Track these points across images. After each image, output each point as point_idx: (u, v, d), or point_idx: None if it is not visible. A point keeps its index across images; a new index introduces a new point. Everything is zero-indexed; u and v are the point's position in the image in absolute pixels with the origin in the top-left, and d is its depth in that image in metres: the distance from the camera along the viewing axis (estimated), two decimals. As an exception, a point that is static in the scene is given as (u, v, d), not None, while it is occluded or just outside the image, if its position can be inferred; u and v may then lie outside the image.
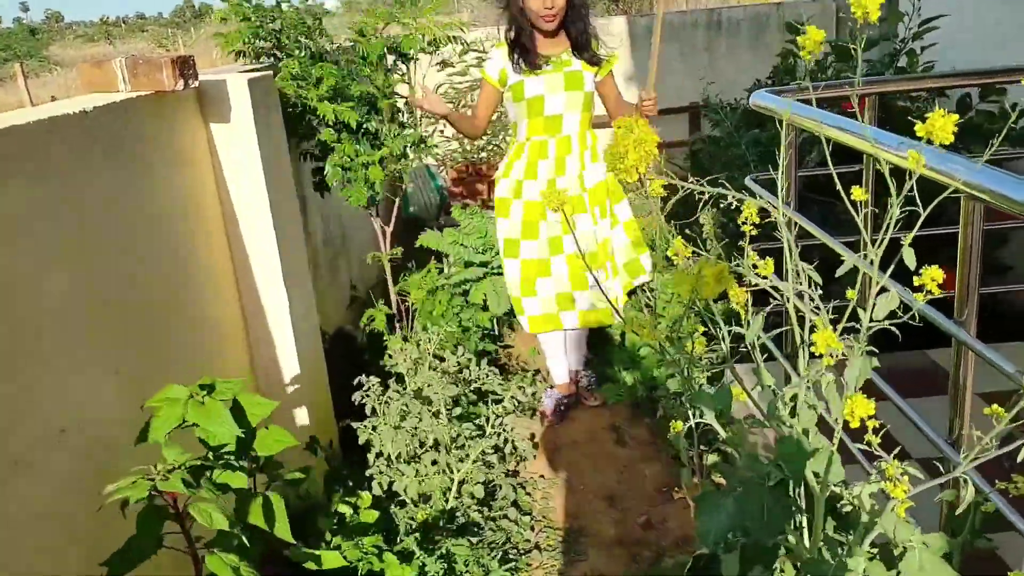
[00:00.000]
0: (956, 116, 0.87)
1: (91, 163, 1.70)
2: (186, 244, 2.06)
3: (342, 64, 2.88)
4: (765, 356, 2.03)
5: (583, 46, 2.76)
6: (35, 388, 1.49)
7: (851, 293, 1.00)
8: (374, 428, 2.44)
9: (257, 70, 2.59)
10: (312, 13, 2.98)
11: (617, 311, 1.34)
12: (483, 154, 5.82)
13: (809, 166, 3.29)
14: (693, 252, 1.08)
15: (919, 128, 0.91)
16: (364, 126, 2.83)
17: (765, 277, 1.16)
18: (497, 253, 3.60)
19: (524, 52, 2.74)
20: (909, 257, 1.05)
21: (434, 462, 2.37)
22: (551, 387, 3.28)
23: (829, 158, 1.29)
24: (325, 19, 3.03)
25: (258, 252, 2.26)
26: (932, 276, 0.94)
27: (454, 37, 3.08)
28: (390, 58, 3.07)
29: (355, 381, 2.54)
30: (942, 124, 0.86)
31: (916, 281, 0.95)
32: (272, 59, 2.89)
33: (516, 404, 2.63)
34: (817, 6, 6.11)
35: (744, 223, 1.18)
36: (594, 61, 2.78)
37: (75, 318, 1.62)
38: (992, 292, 2.53)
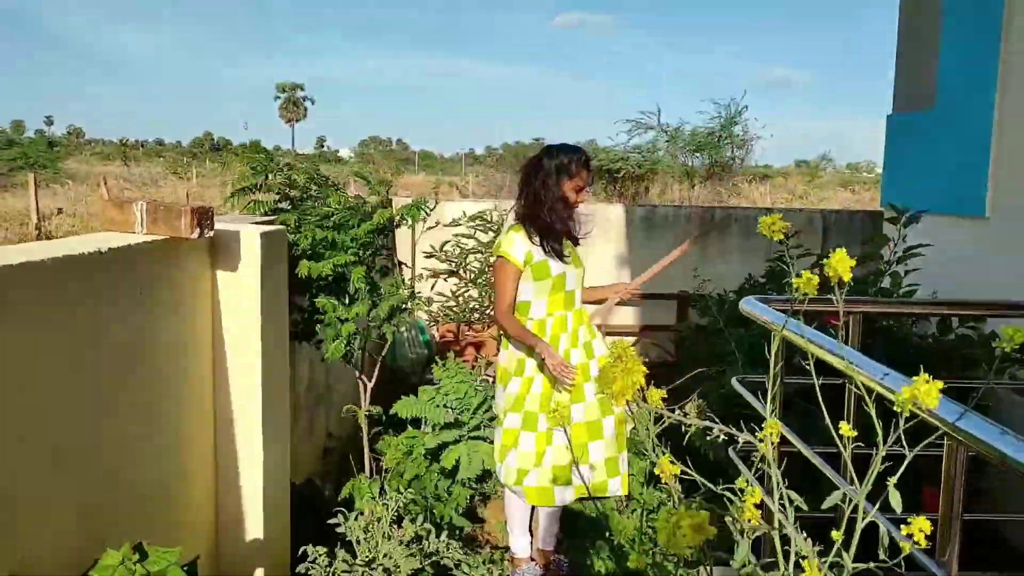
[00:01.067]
0: (941, 383, 0.91)
1: (96, 300, 1.72)
2: (170, 384, 2.04)
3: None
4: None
5: (576, 233, 3.01)
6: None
7: (836, 534, 1.00)
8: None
9: (268, 222, 2.67)
10: (325, 158, 3.18)
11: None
12: (476, 315, 5.90)
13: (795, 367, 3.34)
14: (682, 471, 1.08)
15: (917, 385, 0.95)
16: (344, 287, 2.92)
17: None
18: (472, 416, 3.59)
19: (555, 234, 2.89)
20: (895, 500, 1.06)
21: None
22: (515, 567, 3.16)
23: (816, 385, 1.32)
24: (338, 166, 3.23)
25: (241, 401, 2.23)
26: (920, 527, 0.94)
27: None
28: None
29: (299, 551, 2.43)
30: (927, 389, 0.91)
31: (904, 530, 0.95)
32: (277, 211, 2.99)
33: (484, 583, 2.51)
34: (803, 216, 6.48)
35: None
36: (577, 244, 3.04)
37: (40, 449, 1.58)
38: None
